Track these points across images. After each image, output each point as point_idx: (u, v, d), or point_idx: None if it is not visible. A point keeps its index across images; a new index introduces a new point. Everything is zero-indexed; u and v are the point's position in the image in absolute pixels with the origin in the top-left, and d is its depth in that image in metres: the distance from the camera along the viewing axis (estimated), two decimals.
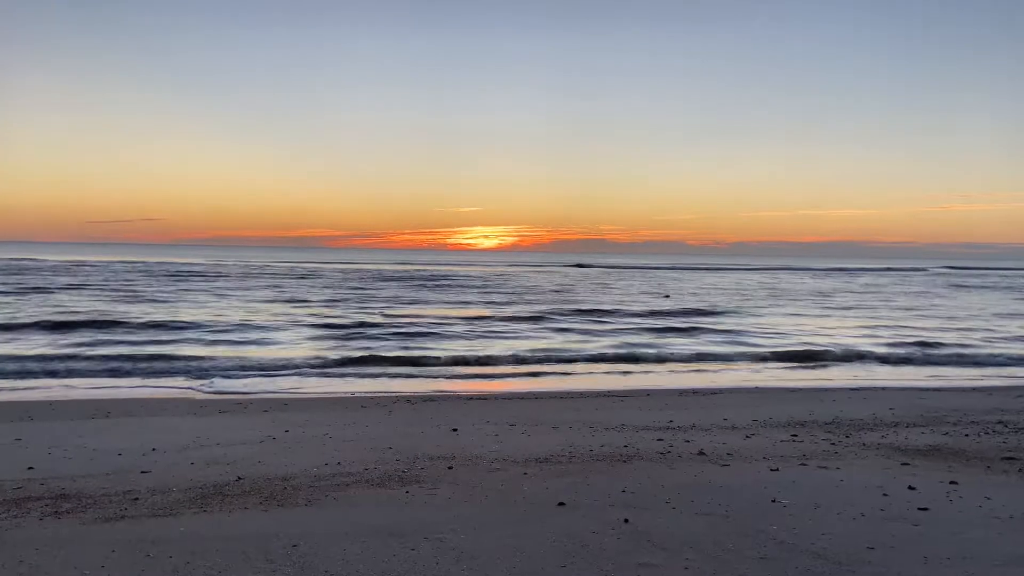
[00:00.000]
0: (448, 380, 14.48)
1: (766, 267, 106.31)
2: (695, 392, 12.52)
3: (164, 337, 18.84)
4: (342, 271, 65.46)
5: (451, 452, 7.19)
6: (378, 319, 24.60)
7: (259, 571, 4.11)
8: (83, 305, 27.08)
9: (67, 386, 12.76)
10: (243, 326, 21.40)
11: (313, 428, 8.48)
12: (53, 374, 13.84)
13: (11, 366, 14.26)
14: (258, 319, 23.39)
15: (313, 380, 14.04)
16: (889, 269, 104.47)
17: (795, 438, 8.04)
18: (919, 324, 25.76)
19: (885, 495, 5.69)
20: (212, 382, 13.46)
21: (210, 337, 19.09)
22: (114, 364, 14.88)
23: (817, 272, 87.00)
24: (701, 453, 7.20)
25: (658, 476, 6.26)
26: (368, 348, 17.73)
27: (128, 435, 7.99)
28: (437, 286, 46.47)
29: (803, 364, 16.95)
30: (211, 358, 15.82)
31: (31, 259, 71.11)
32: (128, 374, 14.11)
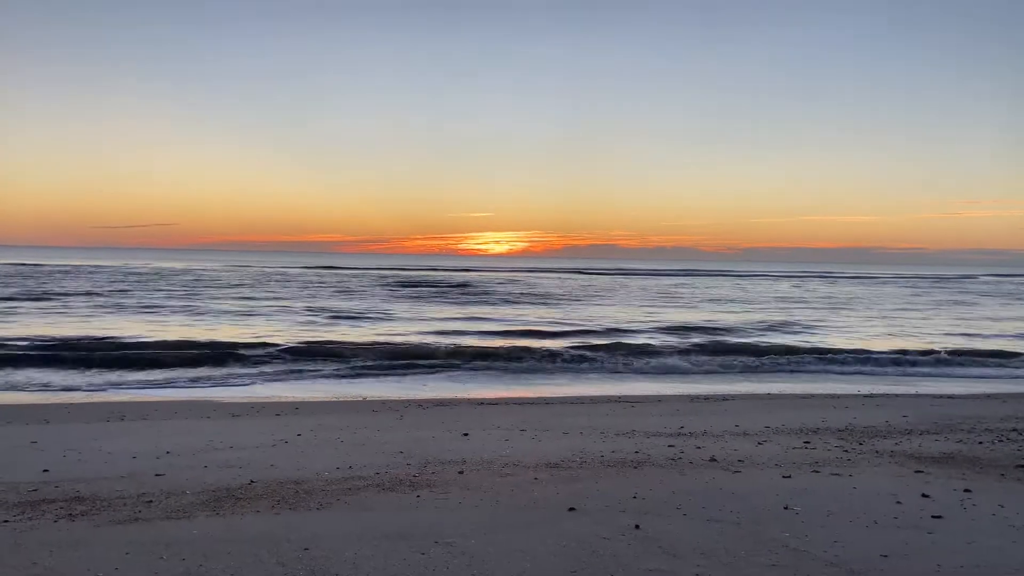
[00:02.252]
0: (459, 385, 14.50)
1: (789, 273, 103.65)
2: (706, 398, 12.48)
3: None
4: (362, 276, 63.35)
5: (462, 456, 7.21)
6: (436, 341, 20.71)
7: (271, 574, 4.13)
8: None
9: (84, 391, 12.87)
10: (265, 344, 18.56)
11: (325, 432, 8.52)
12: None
13: None
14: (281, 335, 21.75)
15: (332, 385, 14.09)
16: (940, 277, 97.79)
17: (808, 445, 8.00)
18: None
19: (898, 503, 5.65)
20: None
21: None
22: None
23: (865, 280, 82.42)
24: (712, 459, 7.18)
25: (669, 482, 6.25)
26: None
27: (142, 438, 8.05)
28: (468, 294, 43.10)
29: None
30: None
31: (32, 264, 68.99)
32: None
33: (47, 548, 4.49)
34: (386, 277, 61.93)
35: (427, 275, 69.05)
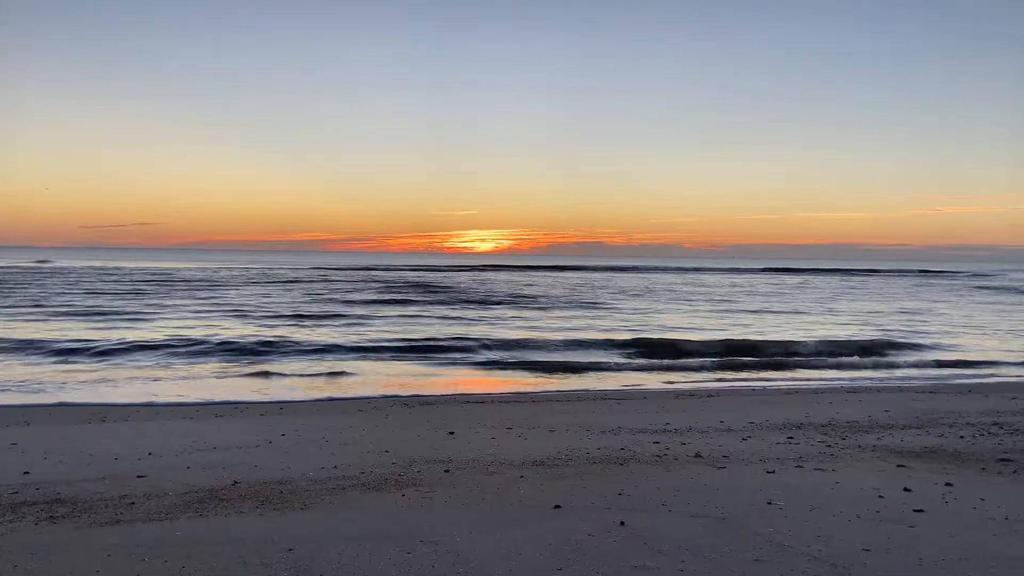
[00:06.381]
0: (445, 383, 14.48)
1: (800, 269, 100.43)
2: (691, 395, 12.53)
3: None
4: (361, 277, 59.66)
5: (447, 455, 7.19)
6: None
7: (255, 575, 4.10)
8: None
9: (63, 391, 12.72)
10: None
11: (309, 432, 8.47)
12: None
13: None
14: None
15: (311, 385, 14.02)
16: (980, 275, 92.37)
17: (791, 440, 8.05)
18: None
19: (881, 497, 5.70)
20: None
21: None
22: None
23: (888, 276, 79.45)
24: (697, 456, 7.21)
25: (654, 479, 6.27)
26: None
27: (124, 439, 7.98)
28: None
29: None
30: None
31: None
32: None
33: (28, 551, 4.44)
34: (380, 280, 60.69)
35: (412, 276, 67.86)
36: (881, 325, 26.84)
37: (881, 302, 40.62)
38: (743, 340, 20.77)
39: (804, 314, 31.82)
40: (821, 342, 20.50)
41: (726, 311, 32.64)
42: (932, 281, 71.44)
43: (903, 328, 25.72)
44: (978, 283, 68.21)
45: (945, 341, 22.15)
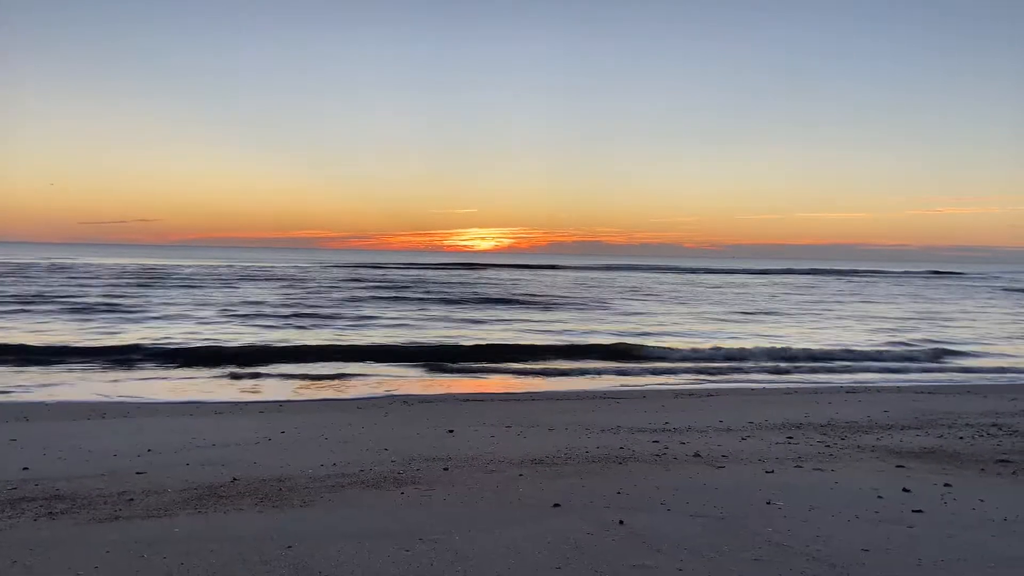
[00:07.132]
0: (445, 381, 14.48)
1: (807, 270, 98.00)
2: (691, 394, 12.53)
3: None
4: (360, 275, 58.19)
5: (447, 453, 7.19)
6: None
7: (254, 572, 4.10)
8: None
9: (62, 387, 12.72)
10: None
11: (309, 429, 8.47)
12: None
13: None
14: None
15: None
16: (995, 276, 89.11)
17: (790, 440, 8.06)
18: None
19: (880, 497, 5.70)
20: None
21: None
22: None
23: (907, 277, 77.13)
24: (696, 455, 7.21)
25: (653, 478, 6.27)
26: None
27: (123, 436, 7.98)
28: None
29: None
30: None
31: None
32: None
33: (27, 547, 4.44)
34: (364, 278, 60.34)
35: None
36: (926, 330, 24.83)
37: (910, 304, 38.52)
38: (784, 348, 19.08)
39: (842, 318, 29.49)
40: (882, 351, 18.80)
41: (740, 312, 31.46)
42: (947, 282, 70.55)
43: (959, 335, 23.52)
44: (1000, 284, 67.11)
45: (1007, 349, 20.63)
